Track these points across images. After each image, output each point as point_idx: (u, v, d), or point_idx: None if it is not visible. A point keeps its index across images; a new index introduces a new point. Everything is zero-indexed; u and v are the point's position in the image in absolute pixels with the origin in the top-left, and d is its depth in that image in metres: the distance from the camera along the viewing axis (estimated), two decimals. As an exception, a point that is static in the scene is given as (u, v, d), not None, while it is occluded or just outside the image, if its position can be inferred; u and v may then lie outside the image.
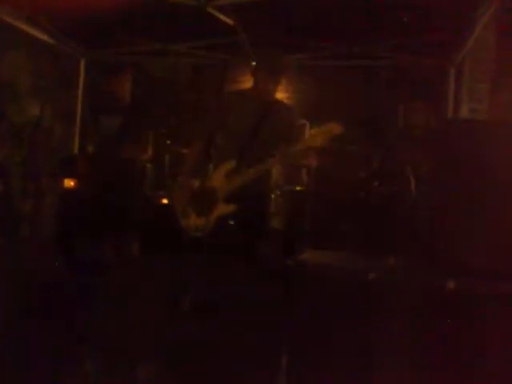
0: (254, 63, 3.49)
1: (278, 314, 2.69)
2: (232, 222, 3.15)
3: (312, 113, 5.17)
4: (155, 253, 3.86)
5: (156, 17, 4.99)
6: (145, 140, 3.90)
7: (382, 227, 3.76)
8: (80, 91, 6.13)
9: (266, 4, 4.56)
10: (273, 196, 5.01)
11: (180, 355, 2.73)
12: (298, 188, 5.36)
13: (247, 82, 4.33)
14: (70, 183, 4.19)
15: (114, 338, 2.80)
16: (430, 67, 5.76)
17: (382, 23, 4.82)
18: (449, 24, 4.87)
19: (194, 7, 4.60)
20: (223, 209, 3.16)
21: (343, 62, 5.73)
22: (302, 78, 6.21)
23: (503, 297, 2.57)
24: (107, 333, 2.82)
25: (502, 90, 5.39)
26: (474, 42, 5.13)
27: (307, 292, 2.63)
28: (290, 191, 5.25)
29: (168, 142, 5.36)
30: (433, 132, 3.54)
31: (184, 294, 2.94)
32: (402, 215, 3.47)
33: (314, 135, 3.05)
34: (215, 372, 2.63)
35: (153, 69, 6.60)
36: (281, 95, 5.74)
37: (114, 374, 2.70)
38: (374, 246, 3.70)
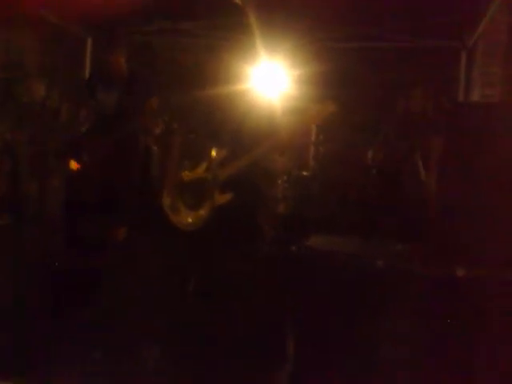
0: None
1: (281, 300, 2.67)
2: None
3: (317, 95, 5.08)
4: (150, 238, 3.76)
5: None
6: (145, 112, 3.69)
7: (388, 213, 3.72)
8: (87, 71, 6.08)
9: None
10: (279, 181, 4.97)
11: (182, 339, 2.72)
12: (304, 173, 5.32)
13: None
14: (73, 164, 4.11)
15: (116, 322, 2.79)
16: (442, 49, 5.66)
17: (393, 4, 4.72)
18: (461, 5, 4.77)
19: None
20: (218, 199, 2.97)
21: (354, 44, 5.64)
22: (314, 59, 6.11)
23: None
24: (110, 315, 2.82)
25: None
26: (486, 24, 5.02)
27: (311, 278, 2.62)
28: (296, 176, 5.21)
29: (175, 125, 5.30)
30: (443, 114, 3.48)
31: (187, 278, 2.89)
32: (410, 201, 3.42)
33: (309, 114, 3.00)
34: (216, 357, 2.63)
35: (162, 49, 6.53)
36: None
37: (116, 359, 2.70)
38: (380, 231, 3.66)
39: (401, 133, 3.88)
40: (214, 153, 3.02)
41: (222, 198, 3.00)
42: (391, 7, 4.77)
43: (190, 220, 3.06)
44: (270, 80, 3.69)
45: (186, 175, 3.17)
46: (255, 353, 2.61)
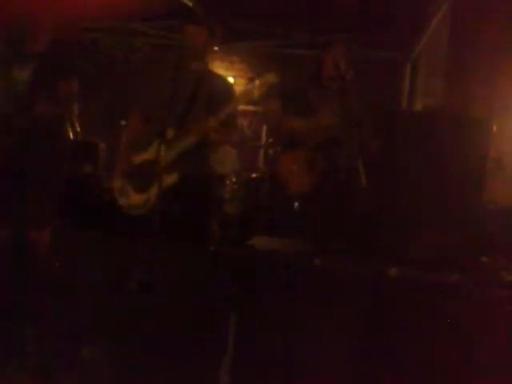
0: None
1: (221, 296, 2.72)
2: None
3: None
4: (93, 231, 3.63)
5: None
6: (62, 92, 3.24)
7: (330, 214, 3.82)
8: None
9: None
10: (228, 182, 5.03)
11: (125, 334, 2.73)
12: (253, 175, 5.40)
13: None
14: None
15: (57, 318, 2.77)
16: (387, 60, 5.87)
17: (339, 14, 4.88)
18: (406, 19, 4.98)
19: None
20: (165, 180, 2.92)
21: (302, 51, 5.77)
22: (262, 64, 6.21)
23: (443, 285, 2.68)
24: (50, 310, 2.79)
25: (456, 86, 5.54)
26: (429, 37, 5.25)
27: (251, 276, 2.68)
28: (245, 178, 5.28)
29: (122, 122, 5.28)
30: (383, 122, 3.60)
31: (128, 273, 2.89)
32: (350, 204, 3.53)
33: (250, 89, 3.12)
34: (160, 352, 2.65)
35: (110, 47, 6.48)
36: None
37: (60, 355, 2.68)
38: (322, 233, 3.76)
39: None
40: (162, 135, 2.98)
41: (169, 179, 3.04)
42: (337, 18, 4.92)
43: (138, 202, 3.11)
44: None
45: (135, 159, 3.23)
46: (195, 349, 2.65)
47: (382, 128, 3.24)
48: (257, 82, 3.12)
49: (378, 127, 3.38)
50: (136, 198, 3.14)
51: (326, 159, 3.54)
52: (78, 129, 5.22)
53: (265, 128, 6.38)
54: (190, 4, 4.86)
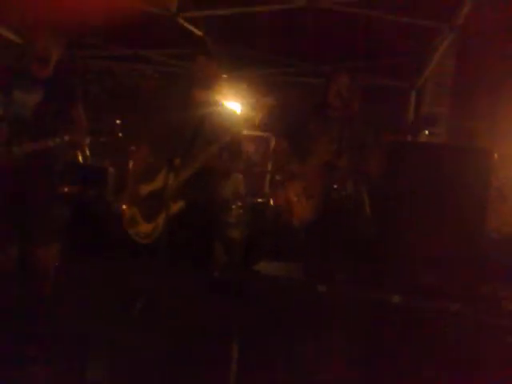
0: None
1: (226, 321, 2.75)
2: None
3: (274, 126, 5.27)
4: (103, 257, 3.69)
5: (128, 24, 5.04)
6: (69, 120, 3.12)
7: (337, 242, 3.85)
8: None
9: (236, 18, 4.69)
10: (233, 206, 5.08)
11: (129, 359, 2.75)
12: (259, 200, 5.44)
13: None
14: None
15: (62, 342, 2.80)
16: (392, 89, 5.95)
17: (346, 44, 4.98)
18: (412, 48, 5.07)
19: (166, 17, 4.69)
20: (172, 207, 3.03)
21: (309, 80, 5.86)
22: (267, 92, 6.31)
23: (446, 312, 2.69)
24: (56, 335, 2.82)
25: (459, 116, 5.62)
26: (435, 66, 5.34)
27: (256, 300, 2.72)
28: (251, 203, 5.33)
29: (132, 147, 5.37)
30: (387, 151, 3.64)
31: (135, 299, 2.93)
32: (353, 231, 3.56)
33: (252, 114, 3.21)
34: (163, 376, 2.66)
35: (122, 75, 6.63)
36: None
37: (63, 377, 2.70)
38: (328, 260, 3.79)
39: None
40: (170, 164, 3.08)
41: (176, 206, 3.10)
42: (346, 47, 5.02)
43: (147, 231, 3.17)
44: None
45: (144, 188, 3.31)
46: (200, 371, 2.67)
47: (385, 155, 3.29)
48: (256, 107, 3.22)
49: (381, 153, 3.42)
50: (145, 227, 3.20)
51: (322, 187, 3.56)
52: (88, 153, 5.32)
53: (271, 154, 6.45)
54: (200, 33, 4.98)
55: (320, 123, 3.64)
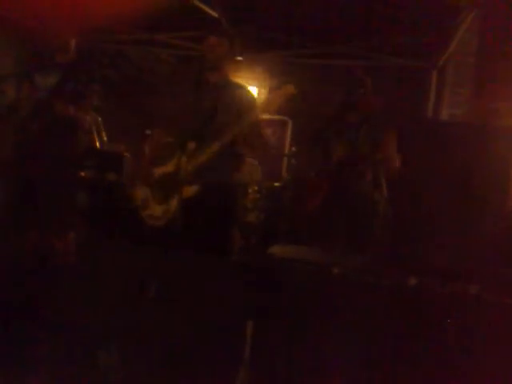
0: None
1: (239, 305, 2.72)
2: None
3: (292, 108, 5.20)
4: (115, 241, 3.67)
5: (143, 7, 5.00)
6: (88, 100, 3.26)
7: (352, 225, 3.80)
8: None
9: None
10: (250, 191, 5.04)
11: (143, 341, 2.74)
12: (275, 184, 5.40)
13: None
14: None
15: (76, 324, 2.80)
16: (413, 69, 5.81)
17: (365, 23, 4.86)
18: (432, 26, 4.93)
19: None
20: (185, 191, 3.02)
21: (323, 61, 5.76)
22: (284, 74, 6.23)
23: (461, 295, 2.63)
24: (69, 317, 2.82)
25: (482, 96, 5.46)
26: (456, 45, 5.19)
27: (270, 283, 2.68)
28: (267, 187, 5.28)
29: (148, 131, 5.35)
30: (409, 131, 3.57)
31: (149, 281, 2.91)
32: (370, 215, 3.50)
33: (270, 99, 3.15)
34: (178, 359, 2.66)
35: (137, 58, 6.60)
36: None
37: (77, 360, 2.71)
38: (343, 243, 3.74)
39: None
40: (183, 147, 3.07)
41: (190, 191, 3.07)
42: (362, 25, 4.91)
43: (158, 213, 3.15)
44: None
45: (157, 171, 3.28)
46: (213, 357, 2.65)
47: (406, 135, 3.22)
48: (277, 93, 3.14)
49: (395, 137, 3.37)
50: (157, 209, 3.19)
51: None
52: (105, 138, 5.32)
53: (289, 136, 6.39)
54: (216, 15, 4.92)
55: (339, 130, 3.69)
